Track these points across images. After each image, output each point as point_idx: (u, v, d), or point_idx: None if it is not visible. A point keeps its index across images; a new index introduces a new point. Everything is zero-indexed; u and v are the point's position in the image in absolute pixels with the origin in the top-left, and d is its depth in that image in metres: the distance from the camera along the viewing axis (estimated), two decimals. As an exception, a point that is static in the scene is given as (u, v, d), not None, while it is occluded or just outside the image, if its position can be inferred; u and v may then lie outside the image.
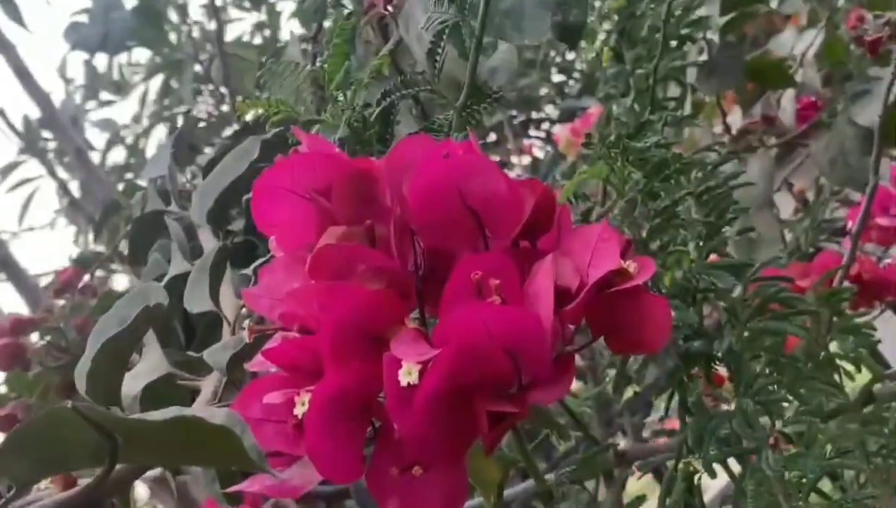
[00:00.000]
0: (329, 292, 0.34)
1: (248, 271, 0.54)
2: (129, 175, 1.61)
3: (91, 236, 1.45)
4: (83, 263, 1.06)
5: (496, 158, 1.43)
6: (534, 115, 1.59)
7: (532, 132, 1.61)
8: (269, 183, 0.36)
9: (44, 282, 1.38)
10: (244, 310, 0.51)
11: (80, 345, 0.72)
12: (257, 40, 1.68)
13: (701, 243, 0.64)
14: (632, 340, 0.34)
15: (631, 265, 0.33)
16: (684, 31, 0.85)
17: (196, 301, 0.48)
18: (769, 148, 1.07)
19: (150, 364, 0.54)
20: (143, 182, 1.15)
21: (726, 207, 0.68)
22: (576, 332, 0.35)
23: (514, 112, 1.52)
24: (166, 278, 0.62)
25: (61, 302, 0.91)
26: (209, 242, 0.64)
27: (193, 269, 0.50)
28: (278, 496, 0.36)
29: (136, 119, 1.70)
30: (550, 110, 1.61)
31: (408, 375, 0.31)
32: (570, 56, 1.60)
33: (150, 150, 1.66)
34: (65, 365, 0.84)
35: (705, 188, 0.77)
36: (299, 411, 0.33)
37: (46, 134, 1.58)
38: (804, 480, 0.51)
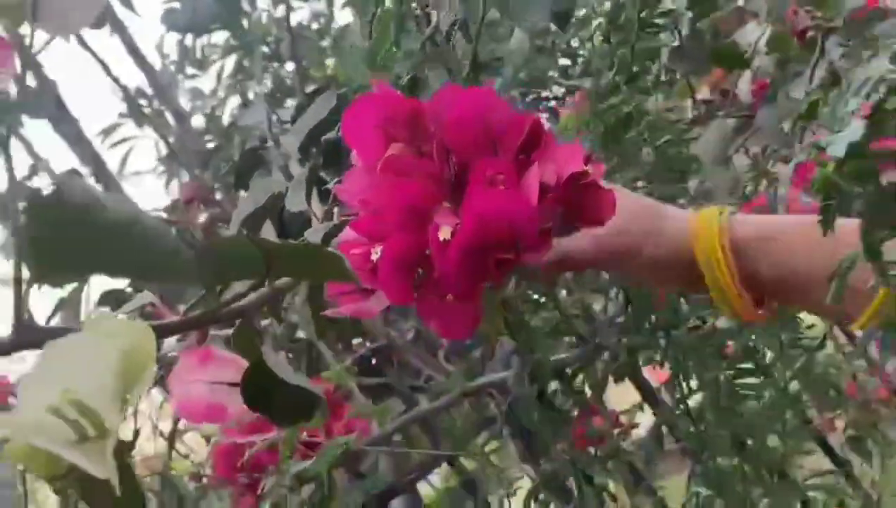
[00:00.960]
0: (393, 185, 0.46)
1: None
2: (208, 137, 1.74)
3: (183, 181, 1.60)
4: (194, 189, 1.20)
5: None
6: (542, 93, 1.69)
7: (541, 108, 1.71)
8: (354, 113, 0.49)
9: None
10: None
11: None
12: (314, 26, 1.80)
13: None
14: (591, 218, 0.47)
15: (590, 168, 0.46)
16: (657, 20, 0.96)
17: (295, 203, 0.59)
18: (726, 118, 1.19)
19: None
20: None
21: (685, 160, 0.80)
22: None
23: (525, 91, 1.62)
24: (269, 195, 0.77)
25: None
26: (297, 169, 0.77)
27: (292, 181, 0.62)
28: (361, 315, 0.48)
29: (214, 91, 1.82)
30: (556, 89, 1.70)
31: (444, 233, 0.44)
32: (575, 43, 1.69)
33: (226, 118, 1.79)
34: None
35: (666, 141, 0.90)
36: (374, 257, 0.45)
37: (143, 101, 1.71)
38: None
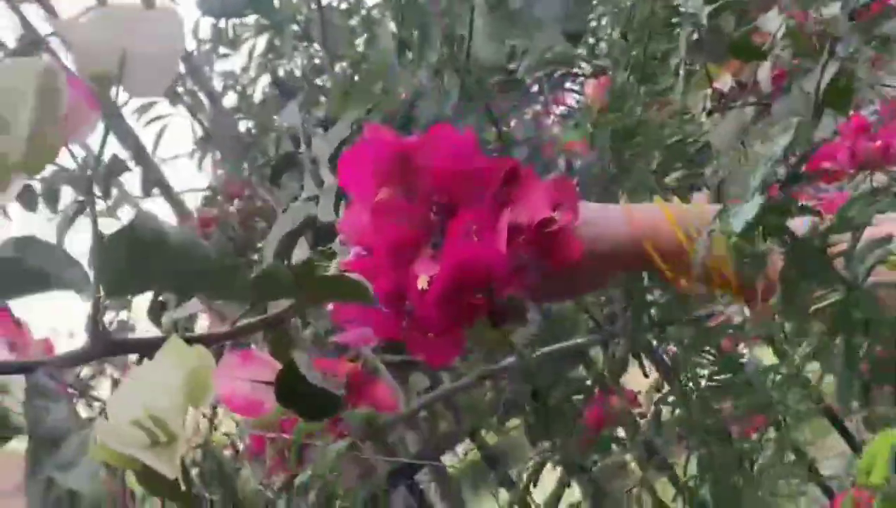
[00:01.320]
0: (380, 229, 0.49)
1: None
2: (238, 115, 1.78)
3: (216, 162, 1.65)
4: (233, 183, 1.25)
5: (537, 107, 1.56)
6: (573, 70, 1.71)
7: (568, 85, 1.73)
8: (350, 158, 0.52)
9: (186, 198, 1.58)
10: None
11: (243, 235, 0.93)
12: (343, 6, 1.82)
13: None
14: (558, 259, 0.49)
15: (558, 214, 0.48)
16: (673, 20, 0.98)
17: (325, 214, 0.65)
18: (743, 107, 1.20)
19: (302, 250, 0.73)
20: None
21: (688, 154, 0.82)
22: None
23: (552, 70, 1.63)
24: (302, 197, 0.82)
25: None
26: (328, 176, 0.82)
27: (322, 192, 0.67)
28: (360, 344, 0.52)
29: (245, 69, 1.85)
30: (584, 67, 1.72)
31: (422, 282, 0.47)
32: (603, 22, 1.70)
33: (257, 95, 1.83)
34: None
35: (677, 140, 0.92)
36: (362, 297, 0.49)
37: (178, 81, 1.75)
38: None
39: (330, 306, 0.55)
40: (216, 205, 1.22)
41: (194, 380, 0.42)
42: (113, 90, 0.45)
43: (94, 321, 0.45)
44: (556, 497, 1.41)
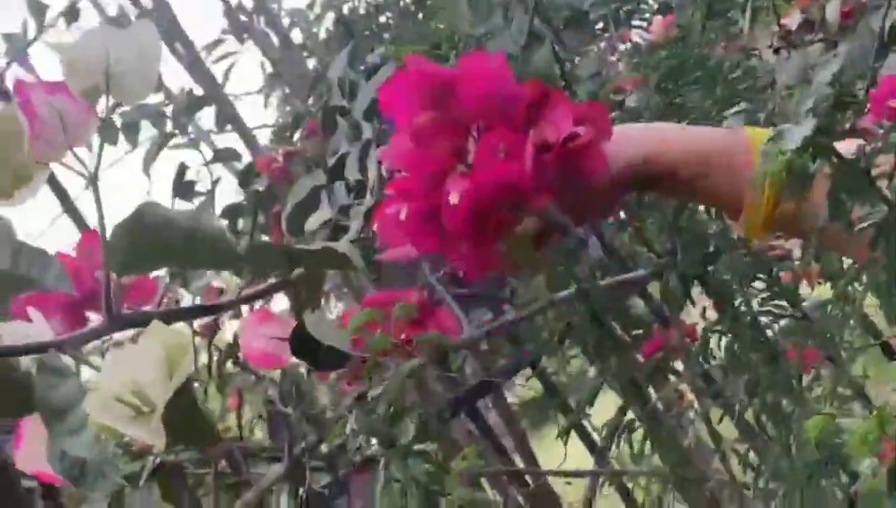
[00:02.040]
0: (416, 152, 0.52)
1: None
2: (304, 53, 1.81)
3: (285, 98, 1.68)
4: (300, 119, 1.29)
5: (602, 44, 1.56)
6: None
7: (635, 21, 1.71)
8: (392, 85, 0.54)
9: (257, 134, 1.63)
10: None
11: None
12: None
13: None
14: (583, 174, 0.52)
15: (581, 130, 0.50)
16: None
17: (352, 171, 0.69)
18: (810, 44, 1.18)
19: (323, 212, 0.77)
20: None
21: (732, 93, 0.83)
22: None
23: (620, 6, 1.62)
24: (337, 155, 0.86)
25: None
26: (367, 131, 0.86)
27: (350, 154, 0.71)
28: (402, 260, 0.55)
29: (311, 6, 1.88)
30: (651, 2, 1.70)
31: (454, 198, 0.49)
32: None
33: (322, 33, 1.85)
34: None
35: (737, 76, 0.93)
36: (402, 216, 0.52)
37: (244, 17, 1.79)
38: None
39: (375, 226, 0.58)
40: (286, 141, 1.26)
41: (174, 355, 0.48)
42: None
43: (108, 299, 0.50)
44: (615, 424, 1.44)
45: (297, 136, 1.30)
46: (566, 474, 1.52)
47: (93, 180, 0.51)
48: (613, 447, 1.42)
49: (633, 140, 0.58)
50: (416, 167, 0.52)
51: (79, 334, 0.50)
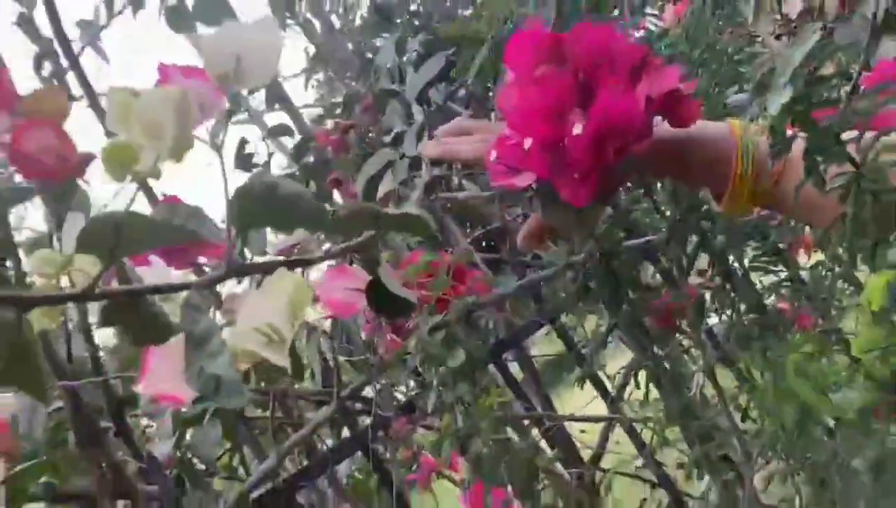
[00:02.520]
0: (540, 92, 0.65)
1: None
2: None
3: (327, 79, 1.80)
4: (354, 98, 1.41)
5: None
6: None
7: (648, 10, 1.84)
8: (513, 43, 0.67)
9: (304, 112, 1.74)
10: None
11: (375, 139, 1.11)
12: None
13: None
14: (680, 121, 0.65)
15: (682, 87, 0.64)
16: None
17: (409, 149, 0.81)
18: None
19: (388, 182, 0.91)
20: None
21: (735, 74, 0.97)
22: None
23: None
24: (393, 133, 1.00)
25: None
26: (418, 113, 0.99)
27: (407, 132, 0.83)
28: (512, 188, 0.67)
29: (346, -6, 1.99)
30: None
31: (577, 129, 0.63)
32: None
33: (358, 19, 1.96)
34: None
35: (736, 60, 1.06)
36: (527, 145, 0.65)
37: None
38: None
39: (493, 155, 0.70)
40: (334, 118, 1.39)
41: (294, 299, 0.61)
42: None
43: (230, 251, 0.60)
44: (625, 377, 1.58)
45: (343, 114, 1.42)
46: (582, 419, 1.66)
47: (219, 150, 0.62)
48: (625, 395, 1.56)
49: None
50: (537, 108, 0.65)
51: (206, 278, 0.61)
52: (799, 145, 0.61)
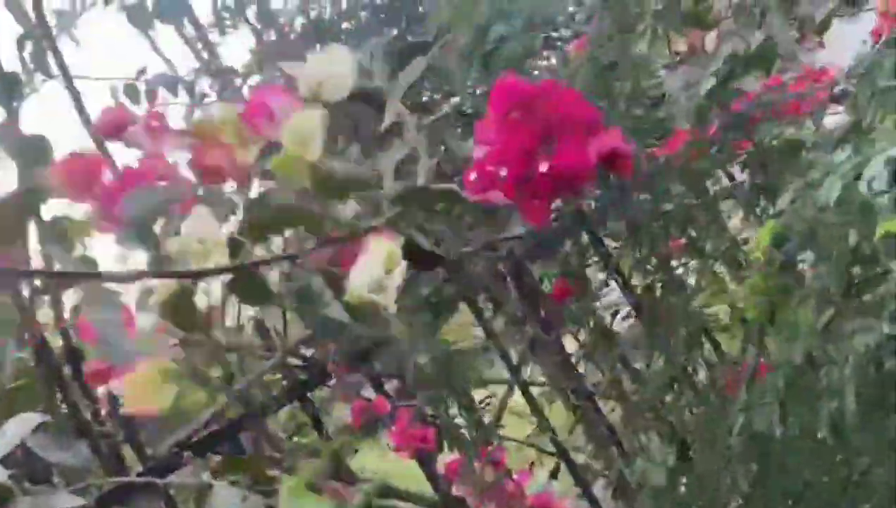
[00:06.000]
0: (513, 135, 0.79)
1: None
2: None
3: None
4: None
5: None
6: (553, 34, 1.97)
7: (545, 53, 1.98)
8: (494, 91, 0.81)
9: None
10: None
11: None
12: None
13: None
14: (620, 171, 0.80)
15: (622, 148, 0.79)
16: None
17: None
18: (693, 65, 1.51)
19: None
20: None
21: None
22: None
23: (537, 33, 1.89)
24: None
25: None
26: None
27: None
28: (491, 200, 0.81)
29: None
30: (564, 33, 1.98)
31: (544, 168, 0.77)
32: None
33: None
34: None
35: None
36: (502, 174, 0.79)
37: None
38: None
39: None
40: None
41: (388, 262, 0.74)
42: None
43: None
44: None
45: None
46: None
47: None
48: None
49: None
50: (510, 146, 0.79)
51: (307, 249, 0.72)
52: None
